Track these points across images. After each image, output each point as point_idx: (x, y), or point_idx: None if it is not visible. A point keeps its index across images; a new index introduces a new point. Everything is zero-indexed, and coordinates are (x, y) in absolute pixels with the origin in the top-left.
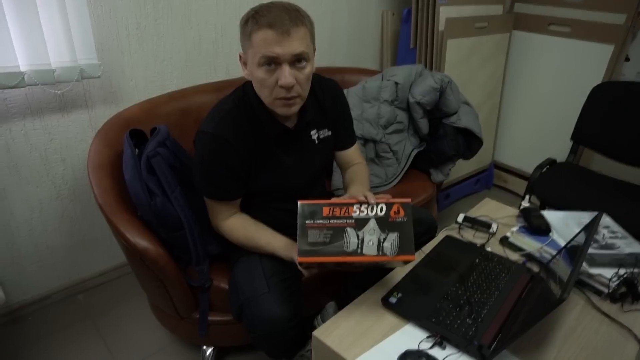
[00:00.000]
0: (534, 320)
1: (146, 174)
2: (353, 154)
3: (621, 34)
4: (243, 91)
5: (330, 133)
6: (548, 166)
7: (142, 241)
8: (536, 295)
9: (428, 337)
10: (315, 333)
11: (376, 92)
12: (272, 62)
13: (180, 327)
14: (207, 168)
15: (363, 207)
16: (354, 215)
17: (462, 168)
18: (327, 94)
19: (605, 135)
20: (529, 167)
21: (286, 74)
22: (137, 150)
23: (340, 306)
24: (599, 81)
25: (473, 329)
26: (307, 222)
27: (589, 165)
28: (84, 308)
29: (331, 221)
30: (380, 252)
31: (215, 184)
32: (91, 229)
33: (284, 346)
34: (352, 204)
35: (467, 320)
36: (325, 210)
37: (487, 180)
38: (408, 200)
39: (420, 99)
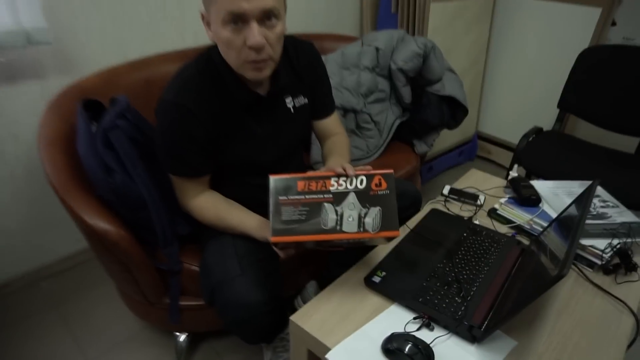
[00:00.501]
0: (529, 298)
1: (103, 149)
2: (332, 124)
3: None
4: (208, 55)
5: (306, 101)
6: (534, 135)
7: (101, 222)
8: (528, 270)
9: (415, 318)
10: (292, 318)
11: (356, 59)
12: (238, 20)
13: (150, 313)
14: (170, 140)
15: (341, 180)
16: (332, 189)
17: (445, 139)
18: (302, 57)
19: (592, 101)
20: (513, 138)
21: (255, 33)
22: (95, 123)
23: (322, 285)
24: (585, 46)
25: (462, 308)
26: (280, 198)
27: (573, 133)
28: (47, 296)
29: (307, 196)
30: (361, 229)
31: (179, 158)
32: (52, 210)
33: (260, 332)
34: (329, 177)
35: (456, 299)
36: (300, 185)
37: (470, 152)
38: (390, 171)
39: (403, 66)
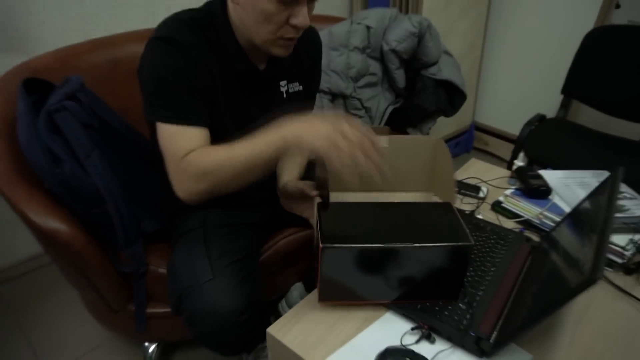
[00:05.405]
0: (553, 305)
1: (48, 134)
2: None
3: None
4: (208, 12)
5: (301, 88)
6: (537, 123)
7: (49, 220)
8: (542, 271)
9: (413, 328)
10: (270, 330)
11: (345, 38)
12: None
13: (114, 322)
14: (160, 77)
15: None
16: None
17: (440, 129)
18: (307, 41)
19: (599, 87)
20: (512, 128)
21: (305, 14)
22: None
23: (309, 288)
24: (589, 31)
25: (468, 316)
26: None
27: (576, 120)
28: (4, 302)
29: None
30: None
31: (173, 100)
32: (7, 208)
33: (235, 344)
34: None
35: (460, 305)
36: None
37: (467, 143)
38: None
39: (396, 46)
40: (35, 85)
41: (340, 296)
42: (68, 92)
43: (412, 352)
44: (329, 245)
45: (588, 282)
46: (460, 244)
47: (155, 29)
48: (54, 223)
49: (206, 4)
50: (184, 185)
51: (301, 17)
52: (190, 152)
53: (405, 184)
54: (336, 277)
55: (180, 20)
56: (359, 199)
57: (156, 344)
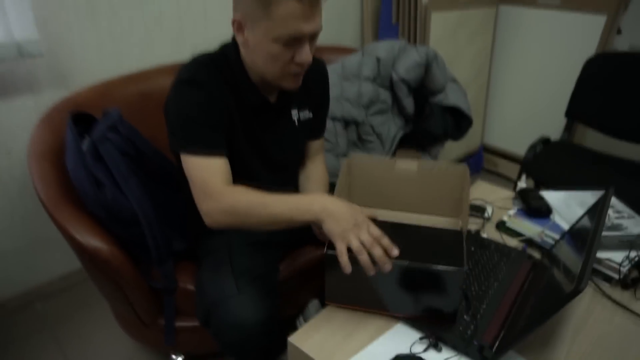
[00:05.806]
0: (544, 315)
1: (93, 162)
2: (319, 147)
3: (613, 4)
4: (222, 54)
5: (311, 115)
6: (541, 145)
7: (92, 240)
8: (541, 285)
9: (421, 338)
10: (291, 339)
11: (356, 69)
12: (294, 41)
13: (145, 335)
14: (186, 114)
15: None
16: None
17: (450, 152)
18: (314, 72)
19: (601, 110)
20: (520, 149)
21: (308, 52)
22: (87, 136)
23: (325, 304)
24: (591, 55)
25: (472, 326)
26: None
27: (582, 142)
28: (42, 317)
29: None
30: None
31: (197, 134)
32: (47, 229)
33: (258, 354)
34: None
35: (465, 317)
36: None
37: (476, 164)
38: None
39: (405, 76)
40: (80, 116)
41: (344, 300)
42: (110, 124)
43: (420, 359)
44: (330, 252)
45: (574, 292)
46: (450, 268)
47: (178, 72)
48: (96, 242)
49: (221, 47)
50: (212, 214)
51: (304, 55)
52: (222, 184)
53: (433, 208)
54: (338, 282)
55: (200, 63)
56: (386, 216)
57: (182, 356)
